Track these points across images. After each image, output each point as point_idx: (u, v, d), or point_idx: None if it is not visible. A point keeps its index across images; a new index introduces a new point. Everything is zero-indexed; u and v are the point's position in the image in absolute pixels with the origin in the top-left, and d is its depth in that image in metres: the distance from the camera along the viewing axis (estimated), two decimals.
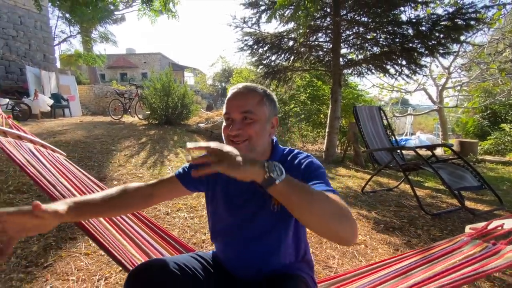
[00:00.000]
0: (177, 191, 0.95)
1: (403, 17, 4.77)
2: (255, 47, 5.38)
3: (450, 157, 3.09)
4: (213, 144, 0.59)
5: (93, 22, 11.69)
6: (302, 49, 5.76)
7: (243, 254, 0.86)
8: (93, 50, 13.45)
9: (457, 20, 3.93)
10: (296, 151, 0.88)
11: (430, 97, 8.42)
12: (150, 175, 3.41)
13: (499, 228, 0.89)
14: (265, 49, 5.46)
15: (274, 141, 0.89)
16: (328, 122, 5.51)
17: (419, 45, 4.56)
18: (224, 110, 0.82)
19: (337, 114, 5.39)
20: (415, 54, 4.65)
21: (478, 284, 1.53)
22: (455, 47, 4.52)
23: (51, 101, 7.95)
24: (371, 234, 2.16)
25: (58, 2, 5.19)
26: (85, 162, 3.59)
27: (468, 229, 1.00)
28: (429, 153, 3.17)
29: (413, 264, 0.97)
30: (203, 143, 0.59)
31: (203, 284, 0.81)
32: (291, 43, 5.61)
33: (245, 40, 5.29)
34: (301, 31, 5.10)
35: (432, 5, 5.02)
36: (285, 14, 4.94)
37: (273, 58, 5.72)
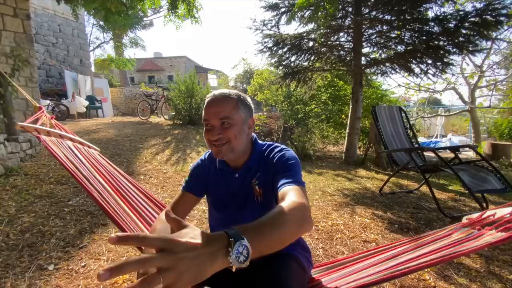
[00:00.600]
0: (194, 202, 1.01)
1: (430, 14, 4.60)
2: (275, 48, 5.46)
3: (474, 159, 2.95)
4: (159, 239, 0.40)
5: (124, 29, 12.47)
6: (323, 49, 5.75)
7: None
8: (124, 55, 14.31)
9: (486, 16, 3.73)
10: (274, 145, 0.95)
11: (460, 97, 7.94)
12: (173, 171, 3.63)
13: (491, 217, 0.91)
14: (284, 50, 5.53)
15: (254, 138, 0.97)
16: (348, 122, 5.45)
17: (446, 43, 4.38)
18: (203, 117, 0.88)
19: (358, 115, 5.31)
20: (442, 52, 4.46)
21: (489, 285, 1.50)
22: (485, 44, 4.27)
23: (86, 103, 8.61)
24: (384, 234, 2.16)
25: (93, 11, 5.61)
26: (116, 158, 3.89)
27: (464, 219, 1.02)
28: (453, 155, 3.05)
29: (405, 249, 1.02)
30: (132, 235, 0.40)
31: None
32: (311, 43, 5.62)
33: (265, 42, 5.40)
34: (321, 31, 5.10)
35: (461, 0, 4.80)
36: (304, 15, 4.97)
37: (293, 58, 5.76)
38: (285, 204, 0.65)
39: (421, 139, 12.29)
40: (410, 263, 0.77)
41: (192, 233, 0.43)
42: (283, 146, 0.94)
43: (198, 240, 0.41)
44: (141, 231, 1.22)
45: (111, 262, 1.68)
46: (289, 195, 0.71)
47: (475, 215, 0.98)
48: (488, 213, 0.93)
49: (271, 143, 0.97)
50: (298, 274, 0.86)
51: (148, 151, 4.44)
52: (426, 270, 1.68)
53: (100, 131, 5.53)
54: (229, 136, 0.85)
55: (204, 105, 0.88)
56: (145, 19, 15.03)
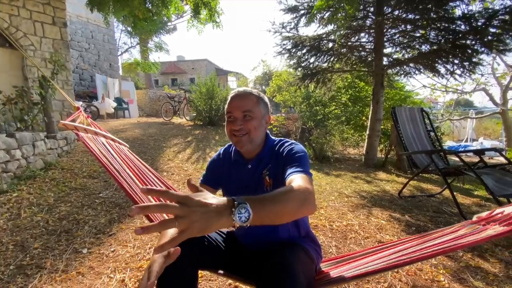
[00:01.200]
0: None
1: (457, 12, 4.43)
2: (293, 50, 5.51)
3: (501, 163, 2.82)
4: (179, 194, 0.51)
5: (150, 34, 13.07)
6: (343, 50, 5.71)
7: (250, 230, 1.01)
8: (149, 59, 14.98)
9: None
10: (284, 140, 1.03)
11: (491, 98, 7.49)
12: (194, 169, 3.79)
13: (499, 214, 0.92)
14: (303, 51, 5.56)
15: (266, 133, 1.06)
16: (369, 124, 5.36)
17: (473, 42, 4.20)
18: (226, 110, 0.99)
19: (378, 116, 5.21)
20: (469, 51, 4.28)
21: None
22: None
23: (114, 104, 9.13)
24: (400, 235, 2.14)
25: (122, 18, 5.98)
26: (141, 156, 4.13)
27: (474, 217, 1.03)
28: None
29: (412, 244, 1.04)
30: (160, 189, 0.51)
31: (221, 251, 0.99)
32: (330, 44, 5.60)
33: (284, 44, 5.46)
34: (340, 32, 5.09)
35: None
36: (324, 17, 4.98)
37: (312, 60, 5.77)
38: (289, 185, 0.74)
39: (449, 143, 11.67)
40: (412, 254, 0.81)
41: (205, 195, 0.54)
42: (292, 141, 1.01)
43: (209, 201, 0.52)
44: (163, 217, 1.34)
45: (136, 249, 1.83)
46: (295, 181, 0.78)
47: (484, 213, 0.98)
48: (498, 211, 0.94)
49: (282, 138, 1.05)
50: (306, 264, 0.88)
51: (170, 150, 4.66)
52: (441, 272, 1.67)
53: (127, 131, 5.87)
54: (250, 128, 0.94)
55: (228, 100, 0.99)
56: (169, 24, 15.65)
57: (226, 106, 1.00)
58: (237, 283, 1.51)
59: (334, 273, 1.08)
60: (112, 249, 1.83)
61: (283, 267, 0.75)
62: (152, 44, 15.27)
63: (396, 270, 1.66)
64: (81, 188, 2.85)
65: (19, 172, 2.82)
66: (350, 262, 1.11)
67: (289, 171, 0.87)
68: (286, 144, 1.00)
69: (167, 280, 0.84)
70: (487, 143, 10.63)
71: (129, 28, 13.75)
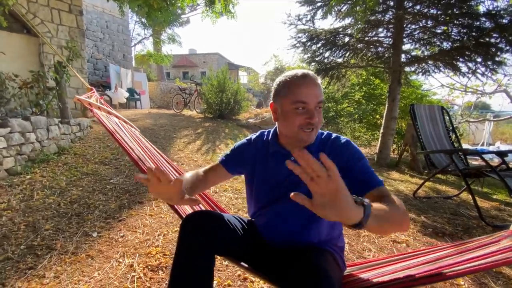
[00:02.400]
0: (223, 176, 1.05)
1: (481, 9, 4.23)
2: (308, 43, 5.39)
3: None
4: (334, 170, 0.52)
5: (163, 25, 13.09)
6: (359, 45, 5.54)
7: (279, 227, 0.94)
8: (161, 51, 15.04)
9: None
10: (334, 135, 0.92)
11: None
12: (203, 160, 3.77)
13: None
14: (318, 45, 5.43)
15: None
16: (383, 122, 5.21)
17: (498, 40, 3.99)
18: (293, 98, 0.81)
19: (394, 114, 5.06)
20: (493, 49, 4.08)
21: None
22: None
23: (127, 94, 9.22)
24: (416, 236, 2.06)
25: (137, 8, 5.98)
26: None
27: None
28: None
29: (446, 254, 0.96)
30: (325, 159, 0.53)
31: (241, 241, 0.93)
32: (346, 39, 5.45)
33: (299, 37, 5.34)
34: (358, 26, 4.92)
35: None
36: (342, 10, 4.84)
37: (327, 54, 5.64)
38: (398, 207, 0.71)
39: (465, 146, 11.31)
40: (456, 266, 0.73)
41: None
42: (346, 139, 0.90)
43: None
44: (181, 207, 1.29)
45: (145, 235, 1.82)
46: (392, 199, 0.74)
47: None
48: None
49: (329, 132, 0.94)
50: (335, 270, 0.84)
51: (181, 141, 4.65)
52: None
53: (138, 120, 5.91)
54: (320, 120, 0.85)
55: (294, 85, 0.82)
56: (182, 16, 15.65)
57: (289, 92, 0.83)
58: (246, 275, 1.47)
59: (358, 279, 1.00)
60: (122, 234, 1.82)
61: (319, 273, 0.69)
62: (165, 36, 15.32)
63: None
64: (93, 174, 2.87)
65: (33, 155, 2.86)
66: (374, 268, 1.03)
67: (372, 181, 0.80)
68: (343, 146, 0.88)
69: (183, 262, 0.81)
70: (504, 148, 10.24)
71: (143, 19, 13.80)
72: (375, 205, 0.63)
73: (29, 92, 3.34)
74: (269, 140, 0.97)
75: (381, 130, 5.20)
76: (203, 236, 0.83)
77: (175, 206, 1.15)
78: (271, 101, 0.91)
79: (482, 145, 11.65)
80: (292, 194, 0.55)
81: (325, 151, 0.88)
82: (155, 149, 1.72)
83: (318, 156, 0.90)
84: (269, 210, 0.95)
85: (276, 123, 0.92)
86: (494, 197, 3.35)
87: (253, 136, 1.02)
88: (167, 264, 1.52)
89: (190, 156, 3.86)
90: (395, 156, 5.99)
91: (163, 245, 1.71)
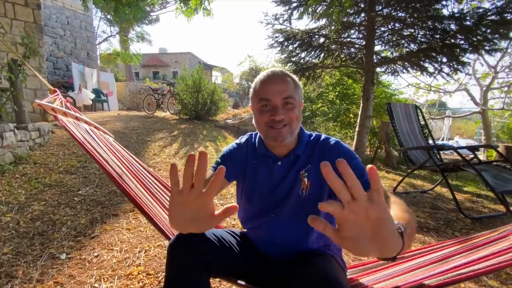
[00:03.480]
0: (223, 185, 0.91)
1: (445, 12, 4.50)
2: (285, 44, 5.38)
3: (494, 159, 2.86)
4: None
5: (131, 23, 12.43)
6: (333, 46, 5.66)
7: (274, 235, 0.87)
8: (130, 49, 14.27)
9: (506, 14, 3.63)
10: (323, 137, 0.88)
11: (472, 98, 7.80)
12: (182, 164, 3.57)
13: None
14: (295, 46, 5.45)
15: (300, 127, 0.89)
16: (358, 121, 5.36)
17: (462, 41, 4.28)
18: (259, 96, 0.80)
19: (368, 113, 5.22)
20: (458, 50, 4.36)
21: None
22: (503, 44, 4.17)
23: (92, 95, 8.59)
24: None
25: (103, 2, 5.58)
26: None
27: None
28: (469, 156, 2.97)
29: (452, 252, 0.93)
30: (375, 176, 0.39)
31: (237, 258, 0.85)
32: (322, 40, 5.53)
33: (276, 37, 5.32)
34: (333, 27, 5.01)
35: None
36: (317, 11, 4.89)
37: (303, 55, 5.69)
38: (407, 210, 0.64)
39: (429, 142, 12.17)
40: (470, 267, 0.69)
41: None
42: (335, 139, 0.85)
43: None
44: (161, 216, 1.16)
45: (124, 253, 1.63)
46: (398, 203, 0.69)
47: None
48: None
49: (318, 133, 0.89)
50: (342, 274, 0.80)
51: (155, 144, 4.39)
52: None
53: (107, 123, 5.50)
54: (292, 118, 0.79)
55: (258, 84, 0.82)
56: (152, 14, 15.00)
57: (255, 91, 0.82)
58: None
59: (363, 282, 0.96)
60: (96, 254, 1.61)
61: (330, 281, 0.63)
62: (134, 34, 14.58)
63: None
64: (57, 185, 2.56)
65: None
66: (378, 270, 0.98)
67: (367, 183, 0.73)
68: (333, 147, 0.82)
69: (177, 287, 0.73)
70: (462, 142, 11.18)
71: (108, 16, 13.01)
72: (409, 228, 0.53)
73: None
74: (256, 143, 0.92)
75: (357, 129, 5.35)
76: (196, 257, 0.75)
77: (160, 225, 1.02)
78: (250, 104, 0.88)
79: (443, 140, 12.62)
80: (310, 218, 0.41)
81: (314, 154, 0.85)
82: (132, 158, 1.55)
83: (308, 160, 0.83)
84: (262, 223, 0.89)
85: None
86: (465, 189, 3.57)
87: (242, 139, 0.96)
88: (152, 286, 1.36)
89: (167, 161, 3.64)
90: (370, 153, 6.21)
91: (145, 263, 1.54)
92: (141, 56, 14.59)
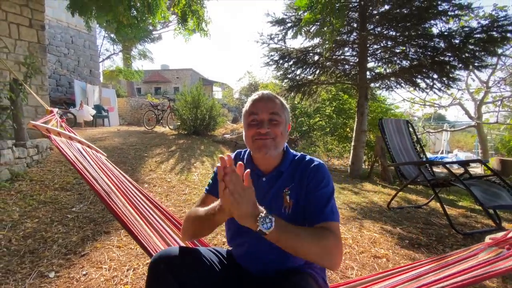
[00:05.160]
0: None
1: (434, 30, 4.67)
2: (281, 62, 5.55)
3: (485, 174, 2.89)
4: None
5: (133, 41, 12.82)
6: (328, 63, 5.82)
7: (257, 253, 0.91)
8: (132, 66, 14.63)
9: (492, 32, 3.77)
10: (308, 158, 0.92)
11: (467, 112, 7.90)
12: (178, 180, 3.60)
13: None
14: (290, 63, 5.61)
15: (285, 146, 0.95)
16: (354, 135, 5.43)
17: (451, 58, 4.41)
18: (249, 112, 0.89)
19: (363, 128, 5.29)
20: (447, 67, 4.49)
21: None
22: (492, 60, 4.29)
23: (93, 112, 8.73)
24: (394, 249, 2.08)
25: (105, 23, 5.79)
26: (120, 166, 3.88)
27: (488, 239, 0.97)
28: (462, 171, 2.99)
29: (427, 270, 0.96)
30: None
31: (217, 276, 0.87)
32: (316, 57, 5.70)
33: (271, 56, 5.48)
34: (326, 46, 5.18)
35: (466, 17, 4.87)
36: (310, 30, 5.07)
37: (298, 72, 5.83)
38: (326, 234, 0.75)
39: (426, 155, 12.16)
40: (438, 284, 0.72)
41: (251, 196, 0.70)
42: (319, 163, 0.90)
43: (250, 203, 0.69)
44: (146, 233, 1.19)
45: (112, 271, 1.63)
46: (330, 234, 0.76)
47: (499, 235, 0.93)
48: None
49: (304, 154, 0.96)
50: None
51: (152, 160, 4.43)
52: None
53: (106, 139, 5.57)
54: (276, 133, 0.87)
55: (250, 102, 0.91)
56: (154, 32, 15.47)
57: (247, 109, 0.92)
58: None
59: None
60: (84, 272, 1.62)
61: None
62: (136, 52, 14.97)
63: None
64: (51, 202, 2.59)
65: None
66: None
67: (321, 215, 0.80)
68: (313, 168, 0.88)
69: None
70: (462, 155, 11.16)
71: (112, 35, 13.43)
72: (286, 222, 0.72)
73: None
74: (244, 160, 0.97)
75: (352, 143, 5.40)
76: (177, 275, 0.78)
77: (144, 243, 1.04)
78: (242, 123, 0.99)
79: (442, 153, 12.62)
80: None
81: (296, 172, 0.90)
82: (123, 176, 1.59)
83: (292, 179, 0.89)
84: (246, 239, 0.92)
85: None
86: (460, 204, 3.56)
87: (233, 155, 1.02)
88: None
89: (163, 177, 3.67)
90: (367, 167, 6.22)
91: (133, 282, 1.54)
92: (143, 73, 14.91)
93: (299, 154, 0.96)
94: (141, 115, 9.52)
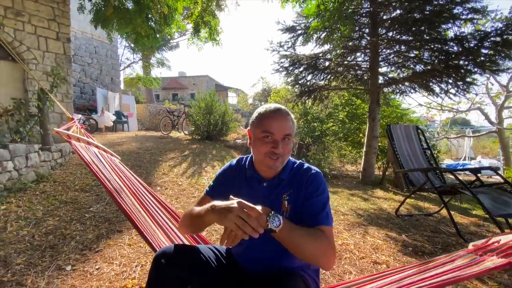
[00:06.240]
0: None
1: (450, 34, 4.56)
2: (291, 68, 5.62)
3: (497, 182, 2.80)
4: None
5: (152, 50, 13.40)
6: (339, 69, 5.83)
7: (255, 254, 0.97)
8: (151, 74, 15.25)
9: (507, 36, 3.65)
10: (306, 166, 0.99)
11: (487, 117, 7.56)
12: (188, 183, 3.74)
13: (495, 243, 0.89)
14: (300, 69, 5.67)
15: None
16: (365, 141, 5.38)
17: (466, 62, 4.30)
18: (263, 128, 0.91)
19: (375, 133, 5.24)
20: (462, 71, 4.38)
21: None
22: (510, 64, 4.13)
23: (113, 117, 9.18)
24: (396, 256, 2.08)
25: (125, 35, 6.15)
26: (136, 169, 4.09)
27: (470, 245, 1.00)
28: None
29: (409, 274, 1.00)
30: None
31: (214, 272, 0.94)
32: (327, 63, 5.73)
33: (281, 62, 5.58)
34: (337, 52, 5.21)
35: (483, 20, 4.74)
36: (320, 37, 5.13)
37: (309, 77, 5.88)
38: (323, 236, 0.83)
39: (447, 161, 11.67)
40: (412, 286, 0.77)
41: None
42: (316, 171, 0.97)
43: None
44: (152, 229, 1.30)
45: (122, 267, 1.77)
46: (325, 236, 0.84)
47: (480, 242, 0.95)
48: (494, 239, 0.91)
49: (302, 162, 1.02)
50: None
51: (166, 164, 4.62)
52: None
53: (123, 144, 5.86)
54: (286, 151, 0.93)
55: (265, 116, 0.93)
56: (171, 41, 16.07)
57: (260, 122, 0.93)
58: None
59: None
60: (97, 267, 1.76)
61: None
62: (154, 60, 15.60)
63: None
64: (72, 202, 2.80)
65: (10, 184, 2.78)
66: None
67: (316, 218, 0.88)
68: (311, 176, 0.95)
69: None
70: (485, 162, 10.62)
71: (132, 44, 14.10)
72: (292, 224, 0.79)
73: (9, 119, 3.31)
74: (246, 165, 1.03)
75: (364, 149, 5.35)
76: (177, 271, 0.86)
77: (149, 239, 1.15)
78: (248, 128, 1.00)
79: (464, 159, 12.07)
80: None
81: (295, 179, 0.97)
82: (134, 177, 1.73)
83: (291, 185, 0.97)
84: (245, 241, 0.97)
85: (251, 148, 1.00)
86: (474, 212, 3.45)
87: (233, 161, 1.09)
88: None
89: (174, 180, 3.83)
90: (380, 173, 6.11)
91: (139, 277, 1.66)
92: (161, 80, 15.49)
93: (298, 161, 1.02)
94: (159, 121, 9.88)
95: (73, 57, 6.41)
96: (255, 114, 0.98)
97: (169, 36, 14.44)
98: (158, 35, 5.92)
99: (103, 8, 5.21)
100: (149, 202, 1.55)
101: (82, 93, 10.64)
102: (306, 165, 1.00)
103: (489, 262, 0.78)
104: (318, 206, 0.89)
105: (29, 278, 1.61)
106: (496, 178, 6.43)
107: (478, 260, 0.83)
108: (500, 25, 3.83)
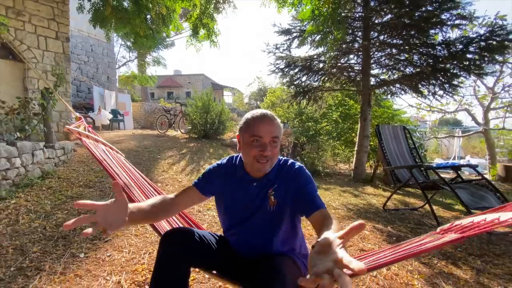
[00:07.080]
0: (197, 198, 1.12)
1: (439, 38, 4.78)
2: (286, 69, 5.81)
3: (475, 178, 3.04)
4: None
5: (148, 49, 13.42)
6: (333, 70, 6.04)
7: (247, 241, 1.11)
8: (146, 72, 15.27)
9: (490, 41, 3.90)
10: (290, 161, 1.09)
11: (473, 118, 7.89)
12: (188, 180, 3.90)
13: (458, 226, 1.08)
14: (295, 71, 5.86)
15: None
16: (357, 140, 5.60)
17: (452, 66, 4.54)
18: (251, 133, 0.96)
19: (366, 133, 5.46)
20: (448, 74, 4.62)
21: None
22: (494, 67, 4.38)
23: (110, 116, 9.24)
24: (381, 244, 2.29)
25: (123, 34, 6.25)
26: (136, 167, 4.21)
27: (438, 229, 1.19)
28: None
29: (386, 252, 1.19)
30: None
31: (214, 254, 1.08)
32: (321, 65, 5.93)
33: (277, 64, 5.76)
34: (331, 54, 5.41)
35: (470, 25, 4.98)
36: (315, 40, 5.32)
37: (304, 79, 6.08)
38: (330, 218, 0.86)
39: (437, 160, 12.07)
40: (384, 259, 0.95)
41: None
42: (299, 166, 1.07)
43: None
44: (160, 226, 1.46)
45: (131, 254, 1.93)
46: (332, 219, 0.86)
47: (447, 225, 1.14)
48: (456, 222, 1.10)
49: (286, 158, 1.11)
50: (293, 270, 0.95)
51: (165, 162, 4.77)
52: (415, 277, 1.81)
53: (122, 142, 5.97)
54: (274, 154, 0.99)
55: (253, 121, 0.98)
56: (167, 39, 16.09)
57: (249, 127, 0.98)
58: (226, 286, 1.62)
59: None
60: (108, 254, 1.92)
61: (273, 269, 0.86)
62: (150, 59, 15.60)
63: (374, 274, 1.79)
64: (77, 197, 2.93)
65: (18, 180, 2.90)
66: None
67: (314, 203, 0.96)
68: (296, 171, 1.05)
69: (161, 275, 0.94)
70: (474, 161, 11.03)
71: (128, 43, 14.10)
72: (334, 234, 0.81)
73: (14, 117, 3.41)
74: (237, 165, 1.11)
75: (356, 148, 5.57)
76: (179, 250, 0.98)
77: (155, 225, 1.31)
78: (237, 133, 1.08)
79: (454, 158, 12.47)
80: (300, 280, 0.52)
81: (279, 175, 1.06)
82: (139, 174, 1.89)
83: (276, 181, 1.10)
84: (240, 229, 1.12)
85: (240, 152, 1.08)
86: (456, 207, 3.69)
87: (224, 160, 1.16)
88: None
89: (174, 177, 3.98)
90: (371, 171, 6.35)
91: (148, 263, 1.83)
92: (156, 78, 15.51)
93: (282, 158, 1.10)
94: (154, 119, 9.97)
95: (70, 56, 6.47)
96: (243, 120, 1.03)
97: (165, 35, 14.49)
98: (156, 35, 6.05)
99: (101, 8, 5.30)
100: (152, 195, 1.72)
101: (79, 91, 10.65)
102: (290, 160, 1.10)
103: (446, 238, 0.97)
104: (312, 193, 1.01)
105: (47, 264, 1.76)
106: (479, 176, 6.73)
107: (439, 238, 1.03)
108: (483, 31, 4.07)
